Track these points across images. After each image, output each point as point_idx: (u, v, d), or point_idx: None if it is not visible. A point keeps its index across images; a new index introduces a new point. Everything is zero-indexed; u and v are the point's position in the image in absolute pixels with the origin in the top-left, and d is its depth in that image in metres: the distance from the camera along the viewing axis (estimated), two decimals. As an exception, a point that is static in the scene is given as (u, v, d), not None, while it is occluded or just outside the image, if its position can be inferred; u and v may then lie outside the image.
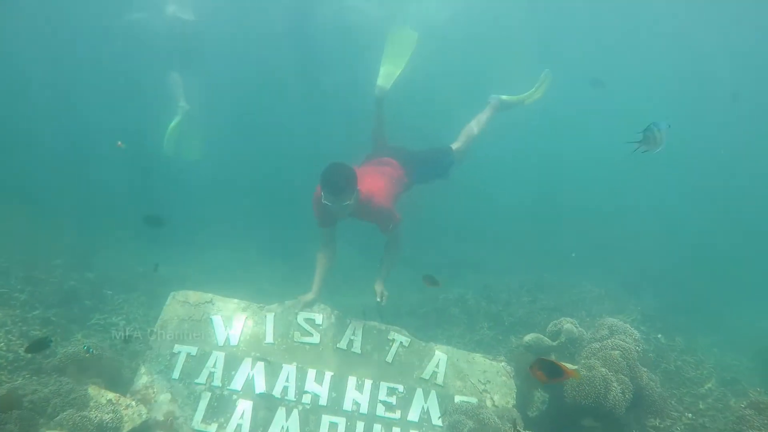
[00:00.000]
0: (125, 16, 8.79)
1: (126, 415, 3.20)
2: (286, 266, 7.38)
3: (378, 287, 4.26)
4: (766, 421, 2.89)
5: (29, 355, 3.87)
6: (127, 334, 5.21)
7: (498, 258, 8.43)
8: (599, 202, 11.70)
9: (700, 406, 4.62)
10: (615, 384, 3.35)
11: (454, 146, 5.20)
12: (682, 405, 4.49)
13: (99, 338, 5.13)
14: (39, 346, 3.24)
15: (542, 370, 2.48)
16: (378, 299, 4.18)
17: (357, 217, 4.25)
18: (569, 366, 3.03)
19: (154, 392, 3.53)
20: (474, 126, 5.40)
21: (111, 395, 3.29)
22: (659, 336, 5.69)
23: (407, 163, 4.81)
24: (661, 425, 3.91)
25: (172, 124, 7.35)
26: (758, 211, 12.16)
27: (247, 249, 8.27)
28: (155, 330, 3.85)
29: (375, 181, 4.28)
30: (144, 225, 4.86)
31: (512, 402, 3.82)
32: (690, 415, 4.34)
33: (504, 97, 5.65)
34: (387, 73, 5.22)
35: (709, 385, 5.09)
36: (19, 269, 5.96)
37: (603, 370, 3.43)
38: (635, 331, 3.87)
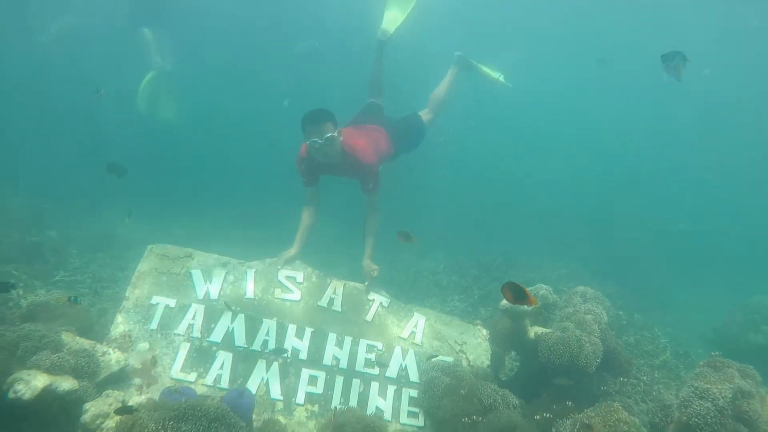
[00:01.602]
0: None
1: (103, 361, 3.10)
2: (262, 234, 7.27)
3: (367, 265, 4.20)
4: (720, 377, 3.12)
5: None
6: (95, 290, 5.05)
7: (469, 237, 8.60)
8: (567, 188, 12.07)
9: (656, 375, 4.95)
10: (587, 344, 3.51)
11: (424, 115, 5.32)
12: (641, 373, 4.79)
13: (64, 295, 4.94)
14: None
15: (510, 291, 2.83)
16: (367, 282, 4.09)
17: (340, 173, 4.25)
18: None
19: (131, 341, 3.43)
20: (441, 90, 5.57)
21: (86, 342, 3.17)
22: (620, 313, 5.98)
23: (391, 131, 4.83)
24: (624, 386, 4.15)
25: (145, 80, 7.05)
26: (715, 205, 12.90)
27: (219, 218, 8.07)
28: (132, 281, 3.73)
29: (359, 136, 4.32)
30: (107, 173, 4.70)
31: (486, 362, 3.95)
32: (645, 378, 4.66)
33: (471, 59, 5.79)
34: (391, 18, 5.15)
35: (664, 357, 5.44)
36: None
37: (577, 331, 3.59)
38: (606, 299, 4.06)
